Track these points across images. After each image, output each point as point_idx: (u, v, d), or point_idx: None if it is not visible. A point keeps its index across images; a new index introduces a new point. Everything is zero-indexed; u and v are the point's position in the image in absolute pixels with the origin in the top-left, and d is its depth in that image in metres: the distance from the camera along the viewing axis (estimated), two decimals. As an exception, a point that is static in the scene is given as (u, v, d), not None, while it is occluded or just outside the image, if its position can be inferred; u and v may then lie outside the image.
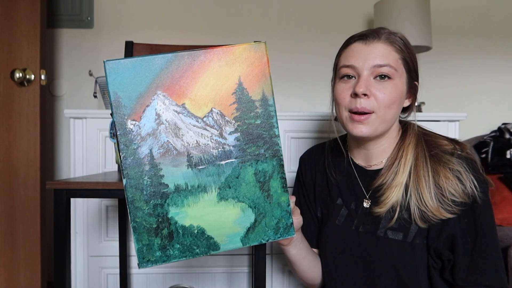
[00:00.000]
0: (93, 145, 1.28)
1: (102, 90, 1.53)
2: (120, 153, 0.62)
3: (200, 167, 0.67)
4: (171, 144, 0.66)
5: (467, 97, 1.97)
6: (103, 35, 1.87)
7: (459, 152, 0.79)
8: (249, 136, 0.71)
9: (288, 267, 1.33)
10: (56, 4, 1.85)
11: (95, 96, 1.55)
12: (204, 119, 0.68)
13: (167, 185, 0.65)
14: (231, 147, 0.69)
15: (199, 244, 0.67)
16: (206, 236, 0.68)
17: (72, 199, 1.27)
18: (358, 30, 0.87)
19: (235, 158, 0.69)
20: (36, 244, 1.55)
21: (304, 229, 0.93)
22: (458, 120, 1.31)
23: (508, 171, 1.64)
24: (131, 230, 0.63)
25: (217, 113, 0.70)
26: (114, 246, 1.29)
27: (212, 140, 0.69)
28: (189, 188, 0.66)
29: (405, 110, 0.88)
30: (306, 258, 0.89)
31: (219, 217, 0.68)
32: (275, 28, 1.92)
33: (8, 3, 1.56)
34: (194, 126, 0.68)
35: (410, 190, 0.78)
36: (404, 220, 0.79)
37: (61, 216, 0.76)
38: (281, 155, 0.71)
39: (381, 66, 0.77)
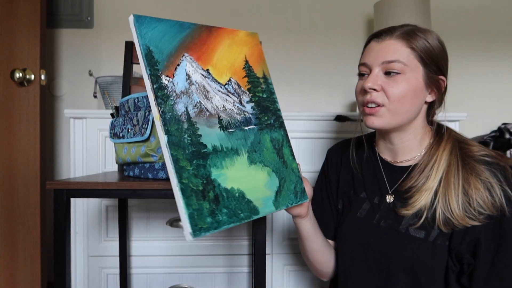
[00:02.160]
0: (93, 145, 1.28)
1: (102, 90, 1.53)
2: (158, 108, 0.61)
3: (230, 130, 0.70)
4: (203, 105, 0.68)
5: (467, 97, 1.97)
6: (103, 35, 1.87)
7: (496, 163, 0.78)
8: (261, 107, 0.77)
9: (288, 267, 1.33)
10: (56, 4, 1.85)
11: (95, 96, 1.55)
12: (226, 86, 0.73)
13: (205, 145, 0.65)
14: (249, 114, 0.75)
15: (242, 208, 0.66)
16: (246, 199, 0.67)
17: (72, 199, 1.27)
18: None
19: (254, 125, 0.74)
20: (36, 244, 1.55)
21: (323, 220, 0.96)
22: (458, 120, 1.31)
23: (508, 171, 1.63)
24: (179, 193, 0.58)
25: (235, 82, 0.75)
26: (114, 246, 1.29)
27: (235, 106, 0.73)
28: (224, 149, 0.67)
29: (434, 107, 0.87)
30: (318, 235, 0.91)
31: (252, 179, 0.70)
32: (275, 27, 1.92)
33: (8, 3, 1.56)
34: (219, 91, 0.71)
35: (438, 196, 0.78)
36: (427, 221, 0.79)
37: (61, 216, 0.76)
38: (285, 127, 0.79)
39: (390, 62, 0.78)
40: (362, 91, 0.82)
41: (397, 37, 0.79)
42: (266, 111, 0.78)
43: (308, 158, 1.32)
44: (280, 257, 1.32)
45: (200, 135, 0.65)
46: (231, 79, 0.75)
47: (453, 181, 0.77)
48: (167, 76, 0.64)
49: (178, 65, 0.66)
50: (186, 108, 0.65)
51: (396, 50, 0.79)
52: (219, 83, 0.72)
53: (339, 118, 1.30)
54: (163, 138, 0.60)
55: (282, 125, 0.79)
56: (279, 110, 0.79)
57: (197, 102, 0.67)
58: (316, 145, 1.32)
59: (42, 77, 1.57)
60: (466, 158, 0.80)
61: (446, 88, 0.86)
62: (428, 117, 0.87)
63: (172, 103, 0.63)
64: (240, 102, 0.74)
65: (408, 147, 0.85)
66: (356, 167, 0.93)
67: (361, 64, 0.84)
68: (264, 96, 0.79)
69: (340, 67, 1.93)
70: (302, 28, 1.93)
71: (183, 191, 0.58)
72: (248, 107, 0.75)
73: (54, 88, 1.87)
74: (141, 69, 0.62)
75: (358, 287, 0.87)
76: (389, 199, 0.85)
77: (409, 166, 0.85)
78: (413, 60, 0.79)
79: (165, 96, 0.62)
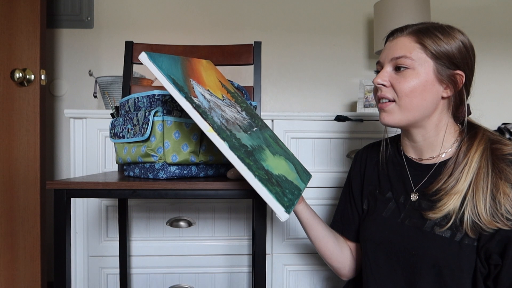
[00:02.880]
0: (93, 145, 1.28)
1: (102, 90, 1.53)
2: (208, 122, 0.67)
3: (248, 132, 0.78)
4: (225, 116, 0.75)
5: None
6: (103, 35, 1.87)
7: None
8: (249, 114, 0.88)
9: (288, 267, 1.33)
10: (56, 4, 1.85)
11: (95, 96, 1.55)
12: (224, 101, 0.83)
13: (246, 146, 0.72)
14: (248, 120, 0.84)
15: (292, 188, 0.75)
16: (290, 181, 0.76)
17: (72, 199, 1.27)
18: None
19: (256, 127, 0.85)
20: (36, 244, 1.55)
21: (345, 219, 0.99)
22: (458, 120, 1.31)
23: (508, 171, 1.63)
24: (259, 183, 0.65)
25: (226, 98, 0.85)
26: (114, 246, 1.29)
27: (239, 115, 0.82)
28: (256, 147, 0.76)
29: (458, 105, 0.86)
30: (319, 223, 0.94)
31: (283, 166, 0.80)
32: (275, 27, 1.92)
33: (8, 3, 1.56)
34: (224, 105, 0.80)
35: (467, 199, 0.76)
36: (455, 225, 0.77)
37: (61, 216, 0.76)
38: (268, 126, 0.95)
39: (398, 58, 0.80)
40: (376, 88, 0.85)
41: (407, 34, 0.81)
42: (254, 116, 0.89)
43: (308, 158, 1.32)
44: (280, 257, 1.32)
45: (239, 139, 0.72)
46: (223, 96, 0.84)
47: (481, 185, 0.75)
48: (194, 96, 0.71)
49: (193, 88, 0.74)
50: (219, 119, 0.72)
51: (404, 46, 0.80)
52: (219, 99, 0.81)
53: (339, 118, 1.30)
54: (223, 145, 0.66)
55: (266, 125, 0.94)
56: (258, 114, 0.96)
57: (220, 114, 0.74)
58: (316, 145, 1.32)
59: (42, 77, 1.58)
60: (496, 160, 0.77)
61: (466, 84, 0.84)
62: (454, 114, 0.86)
63: (211, 117, 0.70)
64: (239, 112, 0.83)
65: (432, 144, 0.84)
66: (383, 166, 0.93)
67: (377, 63, 0.87)
68: (245, 105, 0.90)
69: (340, 67, 1.93)
70: (302, 28, 1.93)
71: (261, 180, 0.66)
72: (244, 114, 0.85)
73: (54, 88, 1.87)
74: (173, 96, 0.69)
75: (381, 287, 0.85)
76: (414, 197, 0.84)
77: (434, 164, 0.84)
78: (421, 55, 0.79)
79: (204, 113, 0.69)
